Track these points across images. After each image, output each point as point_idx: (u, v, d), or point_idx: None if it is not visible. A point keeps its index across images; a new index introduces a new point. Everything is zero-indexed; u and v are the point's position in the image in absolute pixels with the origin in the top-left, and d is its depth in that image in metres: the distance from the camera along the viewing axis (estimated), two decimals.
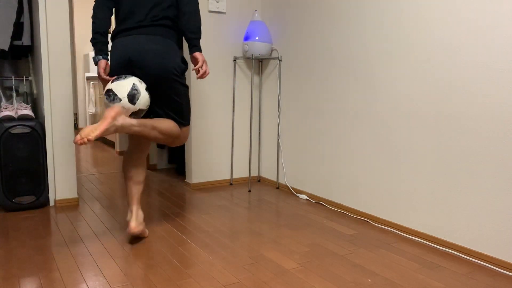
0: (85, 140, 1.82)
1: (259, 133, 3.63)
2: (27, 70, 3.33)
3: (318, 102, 3.00)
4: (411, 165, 2.37)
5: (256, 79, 3.57)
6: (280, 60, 3.35)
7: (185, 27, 2.17)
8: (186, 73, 3.28)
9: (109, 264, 1.97)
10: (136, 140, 2.28)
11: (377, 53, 2.53)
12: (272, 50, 3.43)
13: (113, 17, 4.16)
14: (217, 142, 3.47)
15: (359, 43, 2.65)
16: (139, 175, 2.27)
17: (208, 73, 2.22)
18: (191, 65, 3.28)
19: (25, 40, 3.04)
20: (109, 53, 2.20)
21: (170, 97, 2.17)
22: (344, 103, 2.79)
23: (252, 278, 1.85)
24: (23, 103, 3.01)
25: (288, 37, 3.26)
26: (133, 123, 1.98)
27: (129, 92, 2.00)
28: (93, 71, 6.35)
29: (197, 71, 2.20)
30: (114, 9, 2.25)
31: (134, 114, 2.05)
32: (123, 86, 2.01)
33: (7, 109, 2.89)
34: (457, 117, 2.13)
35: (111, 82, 2.05)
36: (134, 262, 1.99)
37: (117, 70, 2.14)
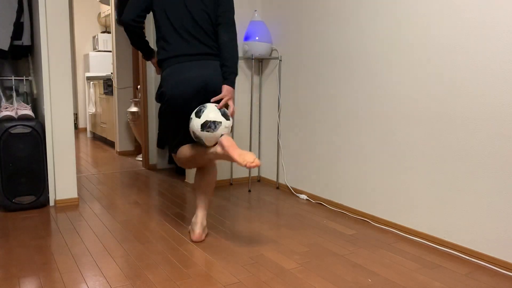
0: (257, 163, 1.93)
1: (259, 133, 3.63)
2: (27, 70, 3.33)
3: (318, 102, 3.00)
4: (411, 165, 2.37)
5: (256, 79, 3.58)
6: (280, 60, 3.35)
7: (222, 55, 2.19)
8: None
9: (109, 264, 1.97)
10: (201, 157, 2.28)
11: (377, 53, 2.53)
12: (272, 50, 3.43)
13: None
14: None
15: (359, 43, 2.65)
16: (210, 183, 2.30)
17: (234, 113, 2.19)
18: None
19: (25, 40, 3.04)
20: (168, 77, 2.15)
21: None
22: (344, 103, 2.79)
23: (252, 278, 1.85)
24: (23, 103, 3.01)
25: (288, 37, 3.26)
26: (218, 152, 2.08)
27: (221, 112, 2.06)
28: (93, 71, 6.35)
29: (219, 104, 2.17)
30: (155, 25, 2.26)
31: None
32: (211, 112, 2.04)
33: (7, 109, 2.89)
34: (457, 117, 2.13)
35: (197, 118, 2.04)
36: (134, 262, 1.99)
37: (192, 95, 2.13)
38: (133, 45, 2.28)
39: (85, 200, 3.03)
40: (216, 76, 2.16)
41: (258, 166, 1.95)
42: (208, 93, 2.15)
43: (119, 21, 4.53)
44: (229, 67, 2.16)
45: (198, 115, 2.05)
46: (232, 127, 2.13)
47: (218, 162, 3.49)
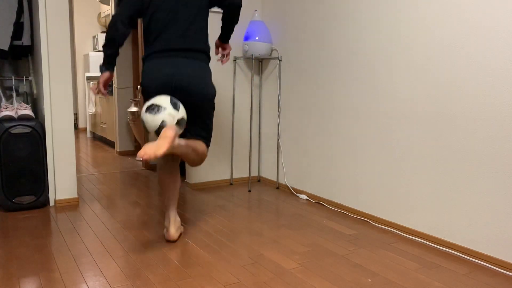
0: (152, 156, 1.86)
1: (259, 133, 3.63)
2: (27, 70, 3.33)
3: (318, 102, 3.00)
4: (411, 165, 2.37)
5: (256, 79, 3.58)
6: (280, 60, 3.35)
7: (227, 32, 2.43)
8: None
9: (109, 264, 1.97)
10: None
11: (377, 53, 2.53)
12: (272, 50, 3.43)
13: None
14: (217, 142, 3.47)
15: (359, 43, 2.65)
16: (175, 182, 2.30)
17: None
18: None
19: (25, 40, 3.04)
20: (144, 73, 2.18)
21: (204, 121, 2.27)
22: (344, 103, 2.79)
23: (252, 278, 1.85)
24: (23, 103, 3.01)
25: (288, 37, 3.26)
26: (182, 144, 2.06)
27: (170, 101, 2.03)
28: (93, 71, 6.35)
29: (223, 58, 2.51)
30: (143, 27, 2.24)
31: (178, 124, 2.05)
32: (161, 98, 2.03)
33: (7, 109, 2.89)
34: (457, 117, 2.13)
35: (148, 102, 2.05)
36: (134, 262, 1.99)
37: (158, 93, 2.15)
38: (108, 46, 2.18)
39: (85, 200, 3.03)
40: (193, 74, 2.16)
41: (147, 160, 1.88)
42: (177, 90, 2.15)
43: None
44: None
45: (147, 101, 2.08)
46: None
47: (219, 161, 3.49)
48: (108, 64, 2.22)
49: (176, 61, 2.14)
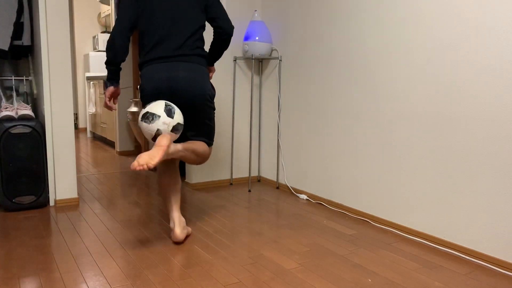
0: (145, 167, 1.88)
1: (259, 133, 3.63)
2: (27, 70, 3.33)
3: (318, 102, 3.00)
4: (411, 165, 2.37)
5: (256, 79, 3.58)
6: (280, 60, 3.35)
7: (214, 57, 2.39)
8: None
9: (109, 264, 1.97)
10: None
11: (377, 53, 2.53)
12: (272, 50, 3.43)
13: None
14: (217, 142, 3.47)
15: (359, 43, 2.65)
16: (176, 184, 2.31)
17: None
18: None
19: (25, 40, 3.04)
20: (142, 77, 2.20)
21: (203, 122, 2.27)
22: (344, 103, 2.79)
23: (252, 278, 1.85)
24: (23, 103, 3.01)
25: (288, 37, 3.26)
26: (179, 149, 2.08)
27: (165, 108, 2.04)
28: (93, 71, 6.35)
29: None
30: (139, 37, 2.26)
31: (174, 130, 2.06)
32: (156, 105, 2.05)
33: (7, 109, 2.89)
34: (457, 117, 2.13)
35: (143, 108, 2.08)
36: (134, 262, 1.99)
37: (154, 96, 2.16)
38: (109, 63, 2.20)
39: (85, 200, 3.03)
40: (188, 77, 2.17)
41: (145, 170, 1.93)
42: (173, 94, 2.17)
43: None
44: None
45: (144, 106, 2.10)
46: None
47: (219, 161, 3.49)
48: (112, 79, 2.26)
49: (171, 65, 2.15)
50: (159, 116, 2.01)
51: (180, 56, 2.17)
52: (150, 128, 2.02)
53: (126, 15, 2.17)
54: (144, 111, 2.06)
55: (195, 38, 2.22)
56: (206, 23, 2.91)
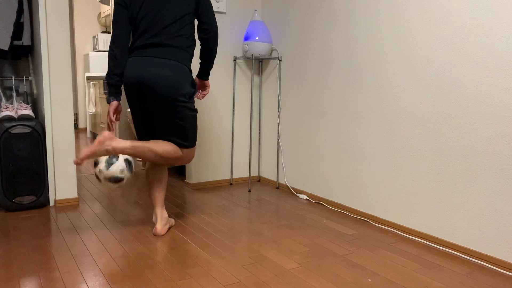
0: (78, 161, 2.01)
1: (259, 133, 3.63)
2: (27, 70, 3.33)
3: (318, 102, 3.00)
4: (411, 165, 2.37)
5: (256, 79, 3.58)
6: (280, 60, 3.35)
7: (205, 58, 2.36)
8: None
9: (109, 264, 1.97)
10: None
11: (376, 53, 2.53)
12: (272, 50, 3.43)
13: None
14: (217, 142, 3.47)
15: (359, 43, 2.65)
16: (161, 180, 2.37)
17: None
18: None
19: (25, 40, 3.04)
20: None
21: (173, 122, 2.20)
22: (344, 103, 2.79)
23: (252, 278, 1.85)
24: (23, 103, 3.01)
25: (288, 37, 3.26)
26: (126, 146, 2.08)
27: (126, 164, 2.18)
28: (93, 71, 6.35)
29: (201, 96, 2.50)
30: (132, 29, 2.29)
31: (112, 181, 2.19)
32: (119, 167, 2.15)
33: (7, 109, 2.89)
34: (457, 117, 2.13)
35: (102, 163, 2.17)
36: (134, 262, 1.99)
37: (127, 90, 2.22)
38: (110, 76, 2.21)
39: (85, 200, 3.03)
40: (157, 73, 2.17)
41: (79, 164, 2.09)
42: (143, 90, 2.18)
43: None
44: (212, 64, 2.42)
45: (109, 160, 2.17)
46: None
47: (219, 161, 3.49)
48: (114, 93, 2.26)
49: (143, 60, 2.15)
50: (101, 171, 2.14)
51: (154, 46, 2.15)
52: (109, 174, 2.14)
53: (122, 30, 2.21)
54: (109, 174, 2.15)
55: (179, 25, 2.18)
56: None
